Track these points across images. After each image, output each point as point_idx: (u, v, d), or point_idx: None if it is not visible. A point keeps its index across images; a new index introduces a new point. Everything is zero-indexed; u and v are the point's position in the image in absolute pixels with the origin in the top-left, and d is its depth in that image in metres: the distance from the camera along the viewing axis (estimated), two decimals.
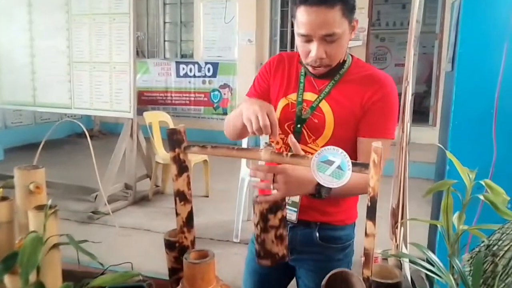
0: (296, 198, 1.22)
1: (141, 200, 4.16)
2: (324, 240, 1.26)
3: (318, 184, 1.02)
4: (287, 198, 1.22)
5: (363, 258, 0.87)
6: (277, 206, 0.98)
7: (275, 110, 1.23)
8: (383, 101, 1.15)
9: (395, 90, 1.18)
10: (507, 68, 1.70)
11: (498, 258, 0.74)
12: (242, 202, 3.25)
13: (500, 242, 0.77)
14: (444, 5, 5.80)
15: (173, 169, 0.99)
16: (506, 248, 0.74)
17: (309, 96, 1.20)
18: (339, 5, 1.05)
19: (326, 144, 1.16)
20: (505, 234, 0.77)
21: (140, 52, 7.12)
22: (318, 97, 1.19)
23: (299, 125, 1.20)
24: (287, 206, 1.23)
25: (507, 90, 1.73)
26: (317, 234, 1.25)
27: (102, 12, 3.80)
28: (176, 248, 1.01)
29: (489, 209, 0.91)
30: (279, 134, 1.24)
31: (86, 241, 0.85)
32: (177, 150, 0.98)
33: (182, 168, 0.99)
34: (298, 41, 1.14)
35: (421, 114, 6.26)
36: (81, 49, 3.92)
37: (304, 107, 1.20)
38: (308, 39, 1.09)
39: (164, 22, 7.20)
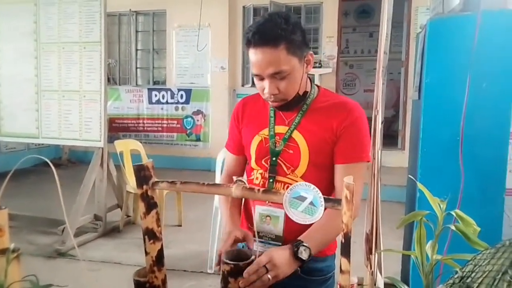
0: (280, 232, 1.21)
1: (112, 231, 4.02)
2: (306, 273, 1.24)
3: (296, 251, 1.07)
4: (270, 233, 1.22)
5: None
6: (239, 270, 0.95)
7: (250, 149, 1.28)
8: (354, 125, 1.19)
9: (364, 114, 1.23)
10: (471, 98, 1.77)
11: None
12: (217, 231, 3.18)
13: (473, 274, 0.78)
14: (408, 34, 6.06)
15: (142, 207, 0.96)
16: (479, 281, 0.75)
17: (281, 129, 1.24)
18: (283, 44, 1.09)
19: (305, 173, 1.19)
20: (477, 266, 0.78)
21: (111, 79, 7.05)
22: (289, 129, 1.22)
23: (274, 158, 1.22)
24: (270, 242, 1.22)
25: (471, 118, 1.80)
26: (299, 268, 1.24)
27: (71, 41, 3.76)
28: None
29: (459, 238, 0.93)
30: (258, 170, 1.26)
31: (51, 285, 0.80)
32: (145, 187, 0.95)
33: (151, 205, 0.96)
34: (254, 79, 1.19)
35: (390, 138, 6.42)
36: (50, 77, 3.84)
37: (277, 140, 1.23)
38: (260, 77, 1.15)
39: (136, 49, 7.18)
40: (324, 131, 1.20)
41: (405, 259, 2.29)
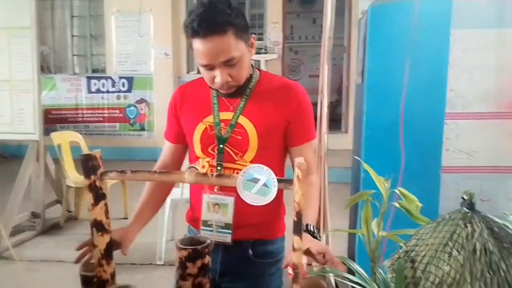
0: (230, 220, 1.20)
1: (52, 228, 3.81)
2: (258, 256, 1.26)
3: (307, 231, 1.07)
4: (219, 221, 1.20)
5: (291, 274, 0.87)
6: (197, 254, 0.94)
7: (193, 137, 1.24)
8: (302, 109, 1.22)
9: (307, 94, 1.25)
10: (410, 80, 1.86)
11: (417, 263, 0.78)
12: (165, 222, 3.12)
13: (417, 247, 0.81)
14: (350, 20, 6.23)
15: (89, 198, 0.92)
16: (423, 253, 0.78)
17: (226, 115, 1.22)
18: (230, 30, 1.07)
19: (255, 157, 1.19)
20: (420, 240, 0.81)
21: (45, 68, 6.61)
22: (234, 114, 1.20)
23: (221, 145, 1.20)
24: (219, 230, 1.20)
25: (410, 100, 1.89)
26: (251, 252, 1.25)
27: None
28: (94, 283, 0.94)
29: (401, 214, 0.97)
30: (204, 158, 1.24)
31: None
32: (92, 177, 0.92)
33: (99, 196, 0.93)
34: (201, 69, 1.15)
35: (334, 122, 6.61)
36: None
37: (223, 126, 1.21)
38: (210, 67, 1.12)
39: (72, 36, 6.78)
40: (272, 115, 1.20)
41: (351, 238, 2.38)
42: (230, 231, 1.20)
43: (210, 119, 1.22)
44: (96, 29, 6.71)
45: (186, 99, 1.29)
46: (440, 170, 1.95)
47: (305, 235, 1.03)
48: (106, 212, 0.93)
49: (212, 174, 0.94)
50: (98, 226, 0.92)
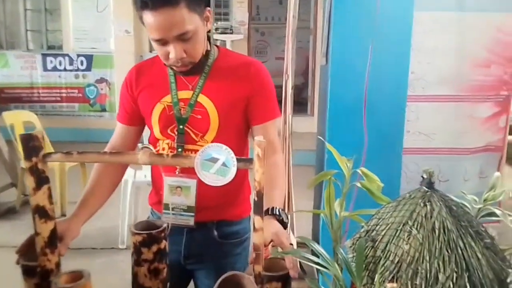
0: (192, 202, 1.16)
1: (6, 213, 3.66)
2: (223, 237, 1.25)
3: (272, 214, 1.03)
4: (181, 204, 1.16)
5: (253, 254, 0.86)
6: (152, 239, 0.90)
7: (151, 118, 1.19)
8: (264, 87, 1.19)
9: (268, 72, 1.22)
10: (374, 62, 1.87)
11: (377, 242, 0.78)
12: (127, 205, 3.05)
13: (378, 227, 0.81)
14: (316, 2, 6.21)
15: (31, 182, 0.85)
16: (383, 233, 0.78)
17: (185, 94, 1.17)
18: (182, 1, 1.01)
19: (216, 137, 1.16)
20: (381, 219, 0.82)
21: None
22: (194, 93, 1.16)
23: (181, 126, 1.16)
24: (182, 213, 1.17)
25: (373, 82, 1.91)
26: (215, 233, 1.24)
27: None
28: (36, 273, 0.88)
29: (364, 195, 0.97)
30: (164, 140, 1.19)
31: None
32: (34, 159, 0.84)
33: (41, 179, 0.86)
34: (154, 45, 1.09)
35: (300, 105, 6.65)
36: None
37: (182, 106, 1.16)
38: (163, 42, 1.06)
39: (25, 9, 6.38)
40: (233, 93, 1.17)
41: (316, 219, 2.41)
42: (193, 214, 1.17)
43: (168, 98, 1.17)
44: (51, 2, 6.33)
45: (142, 79, 1.22)
46: (401, 151, 2.00)
47: (271, 220, 1.02)
48: (50, 197, 0.87)
49: (167, 155, 0.90)
50: (41, 212, 0.86)
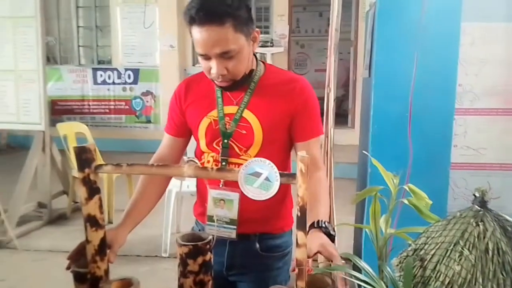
0: (235, 216, 1.17)
1: (58, 219, 3.83)
2: (265, 250, 1.26)
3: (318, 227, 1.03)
4: (224, 216, 1.17)
5: (295, 271, 0.85)
6: (198, 250, 0.92)
7: (198, 131, 1.22)
8: (309, 104, 1.20)
9: (313, 89, 1.23)
10: (419, 75, 1.82)
11: (426, 262, 0.76)
12: (170, 214, 3.12)
13: (426, 246, 0.79)
14: (357, 14, 6.16)
15: (83, 192, 0.89)
16: (432, 252, 0.76)
17: (230, 109, 1.20)
18: (229, 21, 1.04)
19: (259, 152, 1.17)
20: (430, 238, 0.80)
21: (51, 59, 6.62)
22: (239, 109, 1.19)
23: (225, 140, 1.19)
24: (224, 225, 1.18)
25: (419, 95, 1.86)
26: (257, 245, 1.24)
27: (3, 16, 3.45)
28: (87, 280, 0.92)
29: (408, 211, 0.95)
30: (209, 153, 1.22)
31: None
32: (87, 170, 0.89)
33: (93, 190, 0.90)
34: (199, 58, 1.13)
35: (340, 117, 6.55)
36: None
37: (227, 121, 1.19)
38: (206, 57, 1.09)
39: (78, 26, 6.76)
40: (277, 109, 1.18)
41: (357, 234, 2.36)
42: (235, 227, 1.18)
43: (214, 113, 1.20)
44: (101, 20, 6.68)
45: (190, 93, 1.26)
46: (449, 167, 1.92)
47: (317, 233, 1.01)
48: (100, 206, 0.91)
49: (212, 168, 0.92)
50: (92, 221, 0.90)
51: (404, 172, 1.80)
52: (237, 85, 1.16)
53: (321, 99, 1.74)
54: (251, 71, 1.19)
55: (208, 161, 1.22)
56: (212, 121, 1.20)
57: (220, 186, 1.18)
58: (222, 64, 1.08)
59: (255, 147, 1.18)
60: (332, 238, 1.03)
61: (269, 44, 5.89)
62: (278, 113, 1.18)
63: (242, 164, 1.13)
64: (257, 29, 1.15)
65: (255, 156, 1.16)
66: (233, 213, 1.17)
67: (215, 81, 1.15)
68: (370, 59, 2.07)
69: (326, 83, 2.11)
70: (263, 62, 1.25)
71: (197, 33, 1.05)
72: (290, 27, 6.44)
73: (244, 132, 1.18)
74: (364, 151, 2.14)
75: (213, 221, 1.19)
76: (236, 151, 1.19)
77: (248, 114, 1.18)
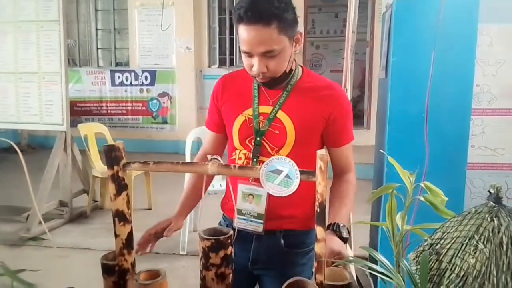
0: (262, 210, 1.21)
1: (79, 217, 3.93)
2: (289, 246, 1.28)
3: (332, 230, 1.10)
4: (252, 211, 1.23)
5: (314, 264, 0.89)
6: (219, 244, 0.95)
7: (232, 128, 1.27)
8: (344, 112, 1.24)
9: (347, 97, 1.28)
10: (435, 75, 1.83)
11: (442, 256, 0.79)
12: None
13: (442, 240, 0.82)
14: (373, 15, 6.14)
15: (112, 188, 0.93)
16: (448, 246, 0.78)
17: (265, 109, 1.23)
18: (275, 23, 1.07)
19: (290, 152, 1.20)
20: (446, 233, 0.82)
21: (71, 61, 6.76)
22: (274, 109, 1.22)
23: (258, 138, 1.22)
24: (252, 219, 1.23)
25: (436, 95, 1.86)
26: (282, 241, 1.27)
27: (28, 19, 3.56)
28: (115, 272, 0.96)
29: (425, 209, 0.97)
30: (241, 150, 1.26)
31: (23, 270, 0.78)
32: (115, 168, 0.93)
33: (121, 186, 0.94)
34: (242, 55, 1.17)
35: (356, 117, 6.51)
36: (5, 59, 3.64)
37: (261, 120, 1.22)
38: (249, 55, 1.13)
39: (96, 29, 6.90)
40: (312, 113, 1.21)
41: (373, 233, 2.37)
42: (262, 221, 1.22)
43: (249, 111, 1.24)
44: (119, 23, 6.80)
45: (227, 90, 1.30)
46: (465, 167, 1.92)
47: (329, 236, 1.05)
48: (128, 202, 0.95)
49: (234, 166, 0.95)
50: (120, 217, 0.93)
51: (420, 172, 1.81)
52: (276, 82, 1.19)
53: None
54: (290, 71, 1.22)
55: (240, 158, 1.25)
56: (246, 118, 1.24)
57: (250, 181, 1.21)
58: (264, 62, 1.12)
59: (287, 148, 1.21)
60: (344, 240, 1.07)
61: None
62: (313, 117, 1.21)
63: None
64: (300, 31, 1.18)
65: (286, 157, 1.20)
66: (261, 207, 1.21)
67: (256, 77, 1.19)
68: (386, 60, 2.08)
69: (343, 84, 2.13)
70: (301, 67, 1.28)
71: (244, 31, 1.09)
72: (306, 28, 6.45)
73: (277, 132, 1.21)
74: (381, 150, 2.15)
75: (242, 215, 1.23)
76: (268, 150, 1.22)
77: (282, 115, 1.21)
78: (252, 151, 1.23)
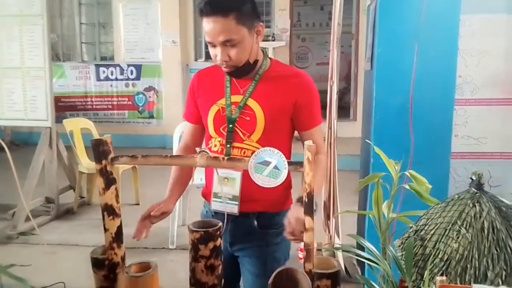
0: (237, 192, 1.29)
1: (66, 213, 3.89)
2: (263, 227, 1.36)
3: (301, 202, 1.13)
4: (227, 193, 1.29)
5: (303, 253, 0.90)
6: (209, 236, 0.97)
7: (207, 118, 1.35)
8: (310, 96, 1.33)
9: (314, 84, 1.35)
10: (419, 66, 1.87)
11: (426, 241, 0.81)
12: (177, 207, 3.18)
13: (427, 227, 0.84)
14: (358, 8, 6.17)
15: (100, 182, 0.93)
16: (432, 232, 0.81)
17: (236, 98, 1.32)
18: (233, 14, 1.17)
19: (261, 137, 1.28)
20: (430, 219, 0.85)
21: (54, 55, 6.64)
22: (244, 97, 1.31)
23: (230, 125, 1.31)
24: (228, 201, 1.29)
25: (420, 86, 1.90)
26: (256, 223, 1.34)
27: (11, 14, 3.49)
28: (105, 266, 0.96)
29: (410, 197, 1.00)
30: (217, 138, 1.33)
31: (13, 265, 0.77)
32: (103, 162, 0.93)
33: (110, 180, 0.94)
34: (208, 46, 1.26)
35: (342, 110, 6.56)
36: None
37: (233, 108, 1.31)
38: (213, 45, 1.23)
39: (80, 23, 6.79)
40: (281, 100, 1.30)
41: (361, 222, 2.41)
42: (237, 203, 1.29)
43: (222, 101, 1.33)
44: (104, 16, 6.71)
45: (202, 84, 1.40)
46: (450, 156, 1.97)
47: (296, 207, 1.13)
48: (117, 196, 0.95)
49: (223, 158, 0.98)
50: (109, 210, 0.94)
51: (406, 161, 1.85)
52: (241, 72, 1.28)
53: (323, 92, 1.78)
54: (256, 61, 1.30)
55: (215, 145, 1.33)
56: (220, 108, 1.33)
57: None
58: (226, 51, 1.21)
59: (257, 133, 1.29)
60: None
61: (270, 38, 5.91)
62: (281, 104, 1.30)
63: (245, 148, 1.28)
64: (261, 23, 1.27)
65: (256, 141, 1.28)
66: (236, 190, 1.29)
67: (221, 66, 1.27)
68: (371, 52, 2.11)
69: (329, 76, 2.15)
70: (270, 59, 1.37)
71: (206, 23, 1.20)
72: (292, 21, 6.45)
73: (248, 118, 1.29)
74: (367, 140, 2.19)
75: (219, 198, 1.31)
76: (240, 136, 1.30)
77: (252, 103, 1.30)
78: (225, 138, 1.31)
